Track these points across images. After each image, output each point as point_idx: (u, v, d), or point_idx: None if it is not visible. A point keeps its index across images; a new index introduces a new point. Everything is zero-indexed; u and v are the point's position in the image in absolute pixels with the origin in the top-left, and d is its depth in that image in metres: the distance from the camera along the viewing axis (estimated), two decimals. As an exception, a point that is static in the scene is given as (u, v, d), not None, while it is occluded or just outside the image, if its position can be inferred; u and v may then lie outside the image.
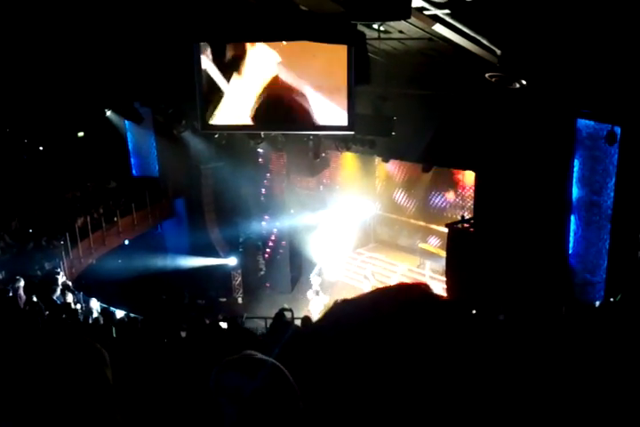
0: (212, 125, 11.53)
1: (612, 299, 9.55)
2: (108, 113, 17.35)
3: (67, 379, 1.48)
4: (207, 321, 10.76)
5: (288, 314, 11.68)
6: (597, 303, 10.23)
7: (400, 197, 20.25)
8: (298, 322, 11.08)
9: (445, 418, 0.93)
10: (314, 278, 17.97)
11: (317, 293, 17.33)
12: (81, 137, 19.68)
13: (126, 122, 19.14)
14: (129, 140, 20.90)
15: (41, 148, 19.68)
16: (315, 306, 16.60)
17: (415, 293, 1.04)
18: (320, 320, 1.08)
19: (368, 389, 0.94)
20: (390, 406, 0.93)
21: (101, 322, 11.18)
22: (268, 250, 20.77)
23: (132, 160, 21.28)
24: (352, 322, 1.01)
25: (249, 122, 11.20)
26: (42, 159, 19.19)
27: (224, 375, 1.54)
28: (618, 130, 10.20)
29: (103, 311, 12.32)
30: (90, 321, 11.40)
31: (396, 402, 0.93)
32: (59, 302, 12.05)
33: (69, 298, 12.19)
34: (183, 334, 9.64)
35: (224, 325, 10.64)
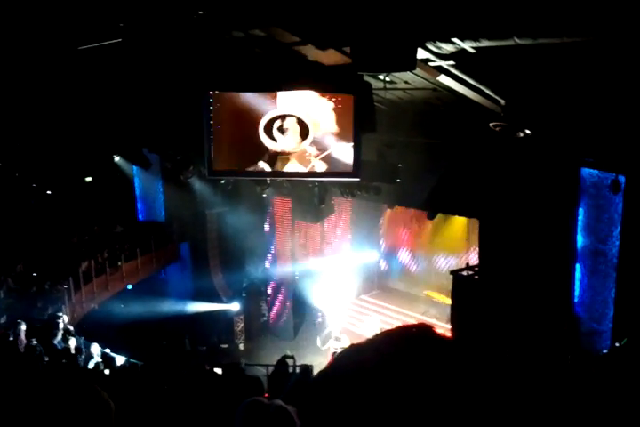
0: (218, 171, 11.66)
1: (617, 344, 9.44)
2: (117, 158, 17.58)
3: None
4: (207, 368, 10.64)
5: (290, 361, 11.53)
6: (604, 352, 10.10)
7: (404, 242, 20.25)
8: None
9: None
10: (332, 329, 17.79)
11: (336, 343, 17.13)
12: (89, 182, 19.88)
13: (134, 167, 19.36)
14: (136, 185, 21.09)
15: (49, 192, 19.85)
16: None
17: (418, 333, 1.05)
18: (327, 366, 1.08)
19: None
20: None
21: (102, 367, 11.05)
22: (271, 296, 20.64)
23: (139, 205, 21.43)
24: (357, 366, 1.01)
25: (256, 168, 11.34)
26: (49, 203, 19.32)
27: (238, 422, 1.56)
28: (622, 179, 10.26)
29: (103, 357, 12.17)
30: (90, 366, 11.26)
31: None
32: (59, 346, 11.94)
33: (72, 343, 12.07)
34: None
35: (219, 371, 10.52)
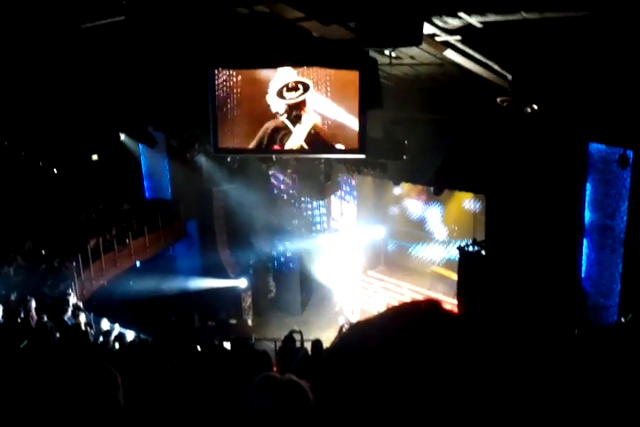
0: (224, 149, 11.64)
1: (623, 319, 9.49)
2: (123, 137, 17.56)
3: (79, 400, 1.51)
4: (216, 343, 10.77)
5: (297, 336, 11.64)
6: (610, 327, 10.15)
7: (411, 219, 20.26)
8: (307, 344, 11.03)
9: None
10: (344, 306, 17.90)
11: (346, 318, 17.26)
12: (95, 160, 19.89)
13: (140, 145, 19.35)
14: (142, 163, 21.10)
15: (55, 170, 19.88)
16: None
17: (426, 309, 1.06)
18: (334, 343, 1.10)
19: (380, 408, 0.96)
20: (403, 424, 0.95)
21: (111, 343, 11.19)
22: (278, 272, 20.75)
23: (145, 183, 21.45)
24: (364, 342, 1.02)
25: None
26: (56, 182, 19.38)
27: (250, 396, 1.59)
28: (630, 153, 10.20)
29: (113, 333, 12.29)
30: (100, 342, 11.41)
31: (409, 421, 0.95)
32: (70, 322, 12.08)
33: (82, 319, 12.22)
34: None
35: (228, 345, 10.64)
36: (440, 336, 0.99)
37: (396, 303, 1.14)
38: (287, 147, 11.06)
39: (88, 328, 12.00)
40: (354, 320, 16.90)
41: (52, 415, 1.47)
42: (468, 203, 18.17)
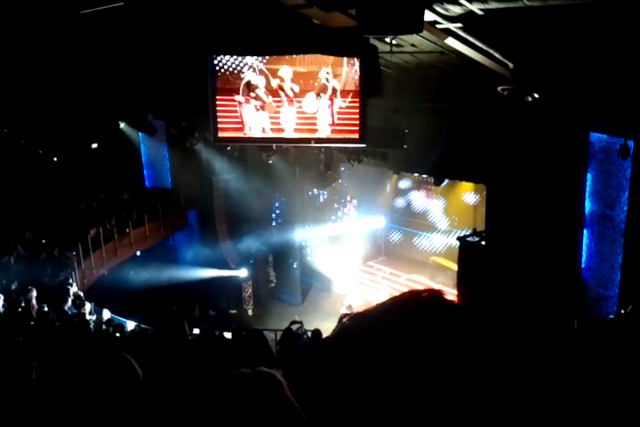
0: (223, 138, 11.60)
1: (622, 310, 9.49)
2: (122, 125, 17.50)
3: (107, 392, 1.50)
4: (217, 333, 10.78)
5: (298, 326, 11.66)
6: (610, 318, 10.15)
7: (412, 209, 20.24)
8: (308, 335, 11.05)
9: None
10: (345, 297, 17.89)
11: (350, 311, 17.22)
12: (95, 148, 19.83)
13: (140, 134, 19.28)
14: (142, 151, 21.02)
15: (55, 159, 19.84)
16: None
17: (427, 299, 1.04)
18: (332, 334, 1.08)
19: (377, 401, 0.94)
20: (400, 419, 0.93)
21: (112, 333, 11.20)
22: (278, 262, 20.75)
23: (145, 172, 21.39)
24: (363, 333, 1.00)
25: (261, 134, 11.29)
26: (56, 170, 19.33)
27: (231, 387, 1.56)
28: (631, 144, 10.15)
29: (111, 322, 12.32)
30: (101, 331, 11.43)
31: (407, 415, 0.93)
32: (70, 312, 12.09)
33: (87, 308, 12.25)
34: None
35: (229, 335, 10.67)
36: (441, 326, 0.98)
37: (397, 293, 1.12)
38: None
39: (89, 318, 12.02)
40: (355, 310, 16.85)
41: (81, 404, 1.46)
42: (468, 196, 18.15)
